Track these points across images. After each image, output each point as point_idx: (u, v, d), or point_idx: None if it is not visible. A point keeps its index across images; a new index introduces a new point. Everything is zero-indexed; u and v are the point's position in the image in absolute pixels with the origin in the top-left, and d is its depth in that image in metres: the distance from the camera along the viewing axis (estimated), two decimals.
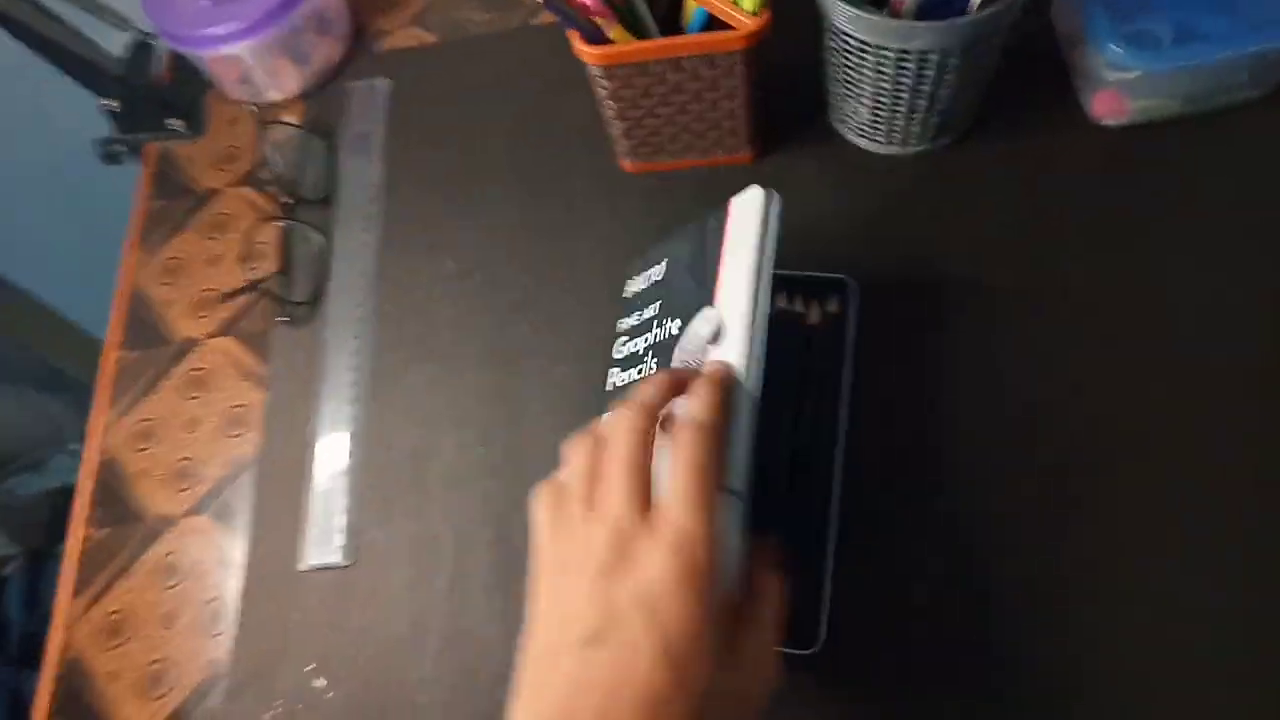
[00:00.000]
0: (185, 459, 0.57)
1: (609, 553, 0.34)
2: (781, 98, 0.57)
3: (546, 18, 0.68)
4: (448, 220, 0.61)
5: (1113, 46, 0.50)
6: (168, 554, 0.55)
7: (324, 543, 0.53)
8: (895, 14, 0.50)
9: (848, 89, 0.54)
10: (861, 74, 0.52)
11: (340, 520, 0.53)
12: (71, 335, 1.21)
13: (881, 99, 0.53)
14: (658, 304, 0.48)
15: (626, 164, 0.60)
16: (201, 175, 0.67)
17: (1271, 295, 0.49)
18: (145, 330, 0.62)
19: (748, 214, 0.43)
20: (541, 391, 0.54)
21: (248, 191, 0.66)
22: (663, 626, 0.32)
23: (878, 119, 0.55)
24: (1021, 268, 0.52)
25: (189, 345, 0.61)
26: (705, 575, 0.33)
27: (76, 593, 0.55)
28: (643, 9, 0.52)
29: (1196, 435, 0.46)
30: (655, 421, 0.37)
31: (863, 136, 0.57)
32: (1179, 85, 0.53)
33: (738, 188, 0.44)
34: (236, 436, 0.57)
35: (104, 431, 0.59)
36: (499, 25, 0.69)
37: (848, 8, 0.48)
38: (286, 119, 0.67)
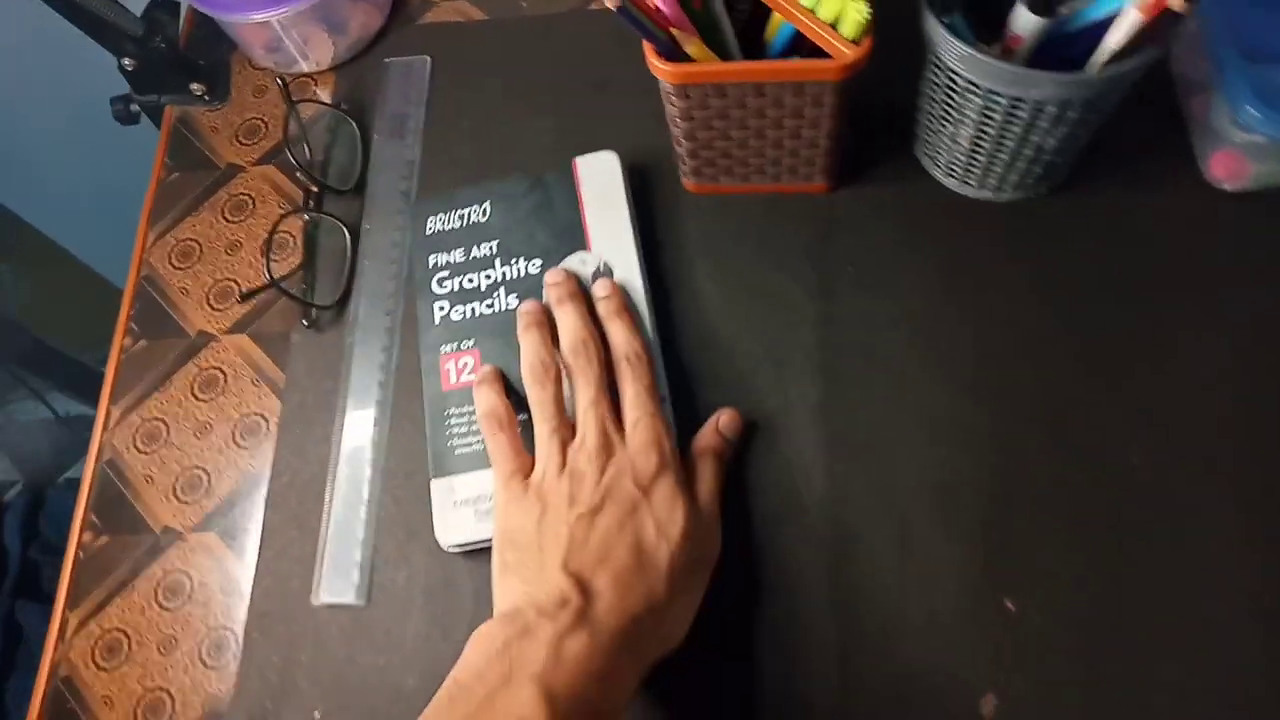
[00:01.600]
0: (195, 468, 0.53)
1: (598, 461, 0.44)
2: (865, 121, 0.52)
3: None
4: None
5: (1248, 108, 0.45)
6: (170, 572, 0.51)
7: (339, 578, 0.49)
8: (1007, 52, 0.45)
9: (944, 127, 0.49)
10: (964, 115, 0.46)
11: (357, 555, 0.50)
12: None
13: (982, 143, 0.47)
14: (493, 244, 0.53)
15: (688, 183, 0.54)
16: (223, 147, 0.62)
17: None
18: (157, 317, 0.58)
19: (607, 175, 0.54)
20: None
21: (272, 171, 0.61)
22: (649, 492, 0.42)
23: (973, 162, 0.49)
24: (1108, 328, 0.48)
25: (203, 340, 0.56)
26: (673, 456, 0.44)
27: (73, 604, 0.51)
28: (725, 23, 0.46)
29: None
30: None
31: (952, 177, 0.52)
32: None
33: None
34: (249, 448, 0.53)
35: (108, 427, 0.55)
36: (553, 5, 0.63)
37: (960, 45, 0.42)
38: (317, 95, 0.61)
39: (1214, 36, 0.47)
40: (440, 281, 0.53)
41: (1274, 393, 0.46)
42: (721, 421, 0.47)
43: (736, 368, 0.50)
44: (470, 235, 0.54)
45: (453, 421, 0.50)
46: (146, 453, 0.54)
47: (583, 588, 0.39)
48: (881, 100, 0.50)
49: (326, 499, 0.51)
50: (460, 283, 0.53)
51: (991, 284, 0.50)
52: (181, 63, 0.61)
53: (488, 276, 0.52)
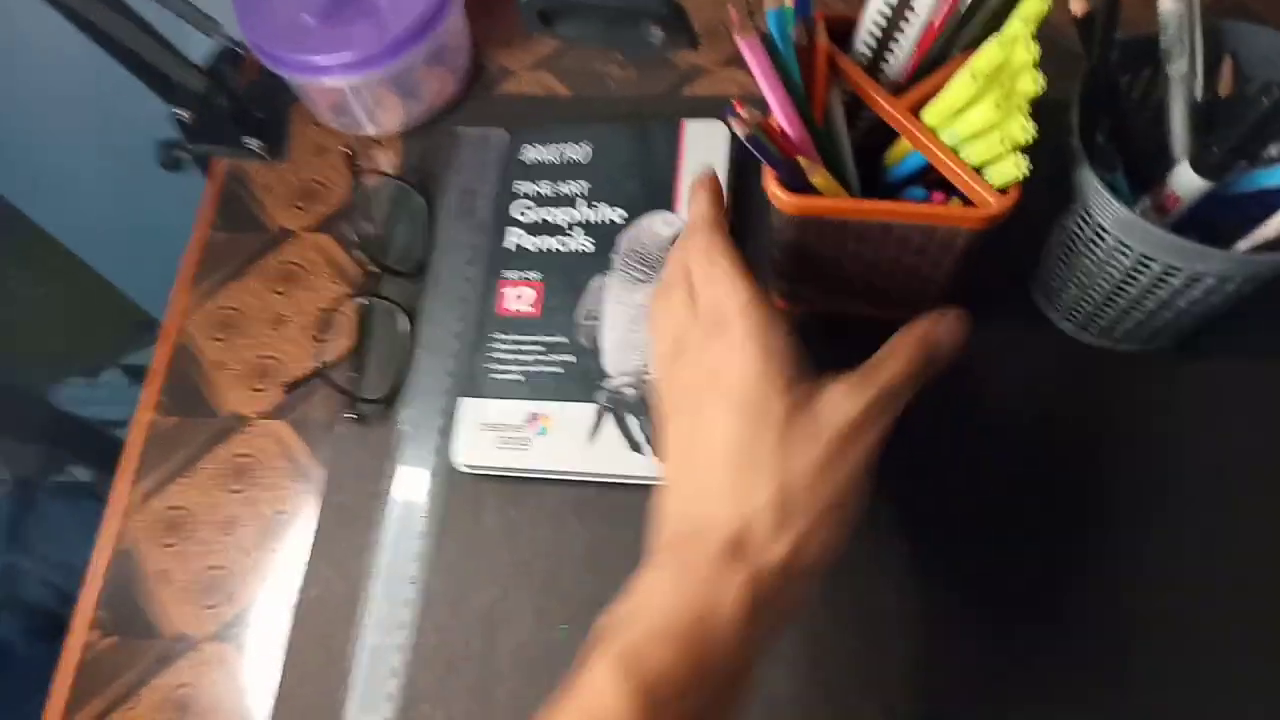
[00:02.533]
0: (216, 568, 0.49)
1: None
2: (981, 251, 0.47)
3: (699, 88, 0.58)
4: None
5: None
6: (180, 685, 0.46)
7: (370, 710, 0.44)
8: (1160, 210, 0.41)
9: (1076, 279, 0.44)
10: (1104, 270, 0.42)
11: (391, 685, 0.45)
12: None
13: (1118, 300, 0.43)
14: (584, 184, 0.53)
15: (778, 302, 0.50)
16: (276, 209, 0.58)
17: None
18: (188, 393, 0.53)
19: (713, 144, 0.53)
20: None
21: (326, 240, 0.56)
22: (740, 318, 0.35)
23: (1101, 314, 0.45)
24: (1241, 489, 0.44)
25: (236, 424, 0.52)
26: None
27: (68, 713, 0.46)
28: (846, 151, 0.42)
29: None
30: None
31: (1069, 321, 0.48)
32: None
33: None
34: (280, 551, 0.49)
35: (125, 511, 0.50)
36: (645, 86, 0.59)
37: (1121, 208, 0.38)
38: (382, 165, 0.57)
39: None
40: (522, 210, 0.54)
41: None
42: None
43: None
44: (563, 171, 0.54)
45: (497, 345, 0.50)
46: (166, 546, 0.49)
47: None
48: (1006, 234, 0.46)
49: (360, 619, 0.46)
50: (542, 215, 0.53)
51: (1105, 433, 0.46)
52: (240, 115, 0.57)
53: (569, 215, 0.53)
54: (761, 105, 0.37)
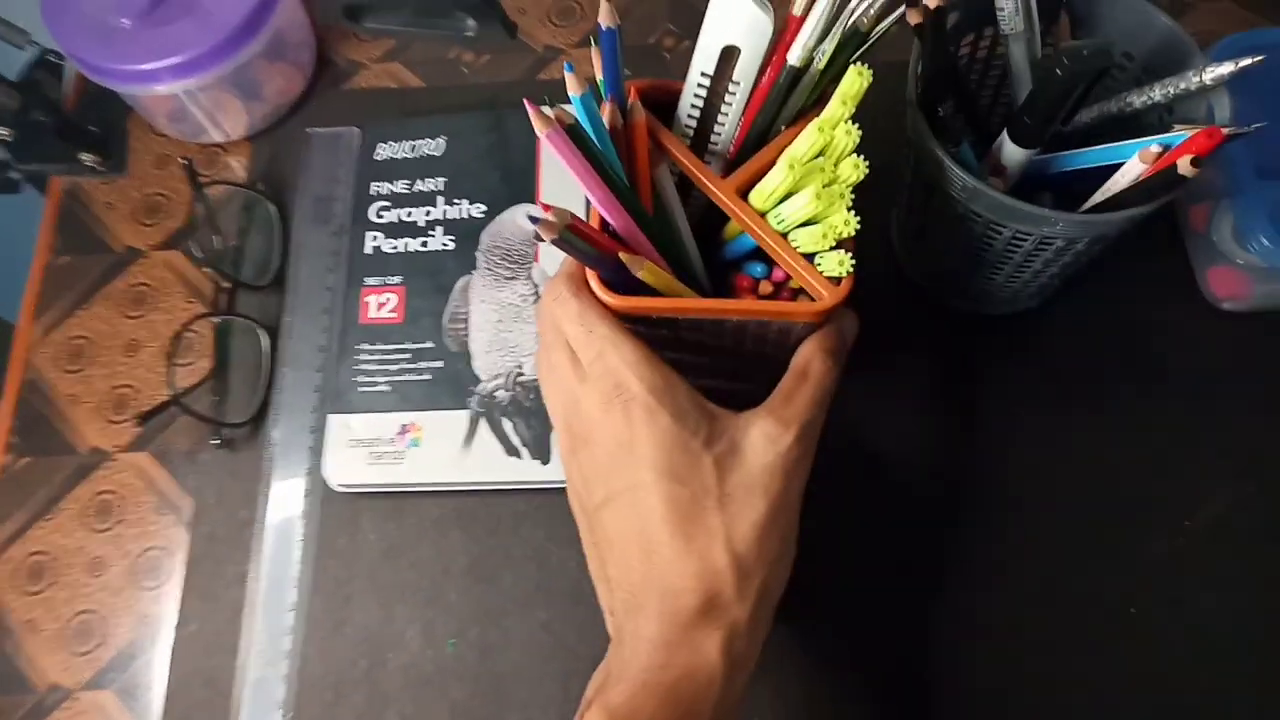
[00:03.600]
0: (86, 612, 0.47)
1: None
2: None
3: (556, 70, 0.56)
4: None
5: (1262, 238, 0.41)
6: None
7: None
8: (996, 173, 0.40)
9: (935, 247, 0.44)
10: (960, 237, 0.42)
11: (277, 717, 0.44)
12: None
13: (974, 264, 0.43)
14: (440, 180, 0.52)
15: None
16: (120, 228, 0.54)
17: None
18: (42, 431, 0.50)
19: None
20: (535, 571, 0.45)
21: (176, 257, 0.53)
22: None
23: (961, 279, 0.45)
24: (1096, 445, 0.45)
25: (96, 459, 0.49)
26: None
27: None
28: (683, 233, 0.37)
29: None
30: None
31: (935, 288, 0.48)
32: None
33: None
34: (152, 589, 0.47)
35: None
36: (496, 72, 0.56)
37: (970, 180, 0.37)
38: (230, 169, 0.54)
39: (1229, 149, 0.43)
40: (379, 211, 0.52)
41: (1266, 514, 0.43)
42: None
43: None
44: (418, 168, 0.52)
45: (362, 358, 0.48)
46: (31, 594, 0.47)
47: None
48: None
49: (241, 651, 0.45)
50: (399, 215, 0.51)
51: (979, 397, 0.47)
52: (69, 129, 0.53)
53: (428, 213, 0.51)
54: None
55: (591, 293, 0.34)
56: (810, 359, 0.34)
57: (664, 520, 0.32)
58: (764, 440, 0.32)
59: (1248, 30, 0.48)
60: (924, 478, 0.46)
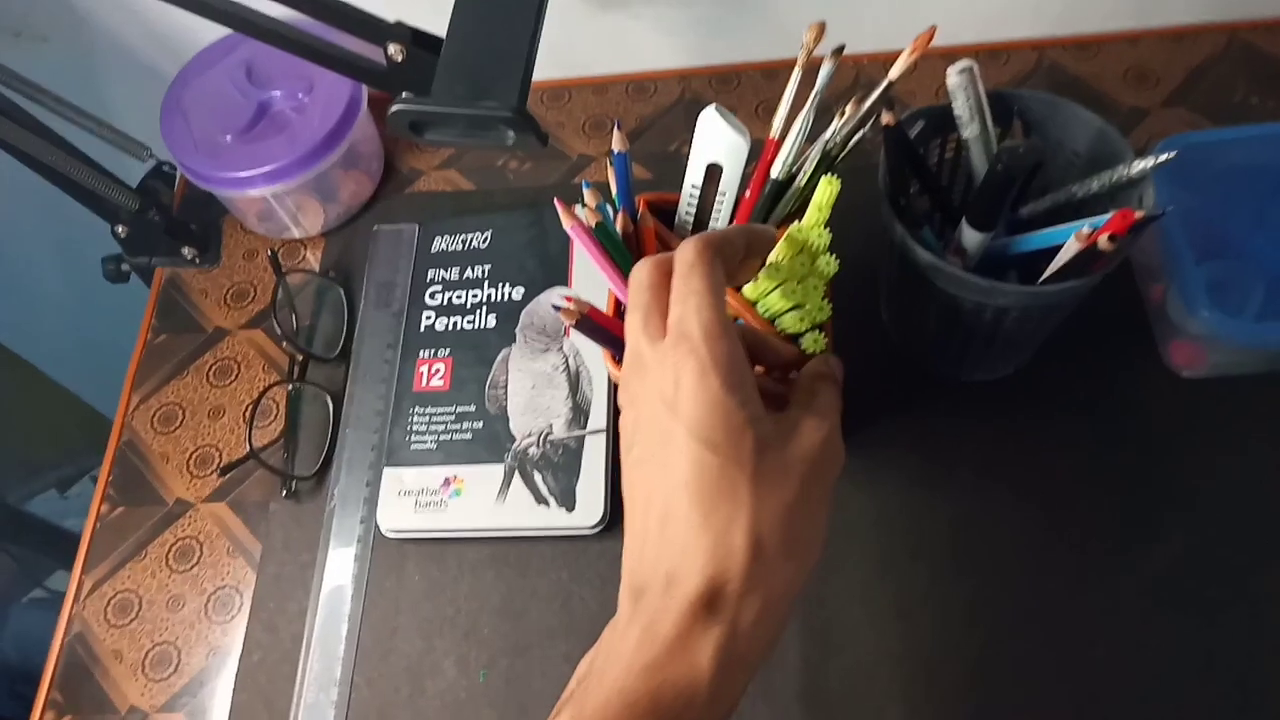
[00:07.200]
0: (164, 643, 0.53)
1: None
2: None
3: (589, 175, 0.64)
4: None
5: (1203, 313, 0.47)
6: None
7: None
8: (957, 253, 0.47)
9: (913, 321, 0.50)
10: (931, 310, 0.48)
11: None
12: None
13: (948, 332, 0.49)
14: (486, 267, 0.60)
15: None
16: (211, 311, 0.63)
17: None
18: (135, 483, 0.58)
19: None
20: (559, 608, 0.50)
21: (259, 335, 0.62)
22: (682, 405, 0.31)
23: (938, 345, 0.51)
24: (1070, 507, 0.49)
25: (180, 509, 0.56)
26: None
27: None
28: None
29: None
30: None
31: (915, 355, 0.54)
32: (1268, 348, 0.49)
33: None
34: (223, 622, 0.53)
35: (79, 599, 0.54)
36: (540, 177, 0.65)
37: (927, 256, 0.44)
38: (307, 260, 0.63)
39: (1168, 231, 0.49)
40: (433, 294, 0.60)
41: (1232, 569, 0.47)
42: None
43: None
44: (467, 257, 0.61)
45: (414, 419, 0.55)
46: (117, 626, 0.53)
47: None
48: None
49: (298, 679, 0.50)
50: (450, 297, 0.59)
51: (957, 462, 0.51)
52: (174, 227, 0.63)
53: (474, 295, 0.59)
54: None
55: (714, 257, 0.33)
56: (819, 367, 0.36)
57: (685, 486, 0.30)
58: (811, 428, 0.32)
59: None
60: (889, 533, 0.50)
